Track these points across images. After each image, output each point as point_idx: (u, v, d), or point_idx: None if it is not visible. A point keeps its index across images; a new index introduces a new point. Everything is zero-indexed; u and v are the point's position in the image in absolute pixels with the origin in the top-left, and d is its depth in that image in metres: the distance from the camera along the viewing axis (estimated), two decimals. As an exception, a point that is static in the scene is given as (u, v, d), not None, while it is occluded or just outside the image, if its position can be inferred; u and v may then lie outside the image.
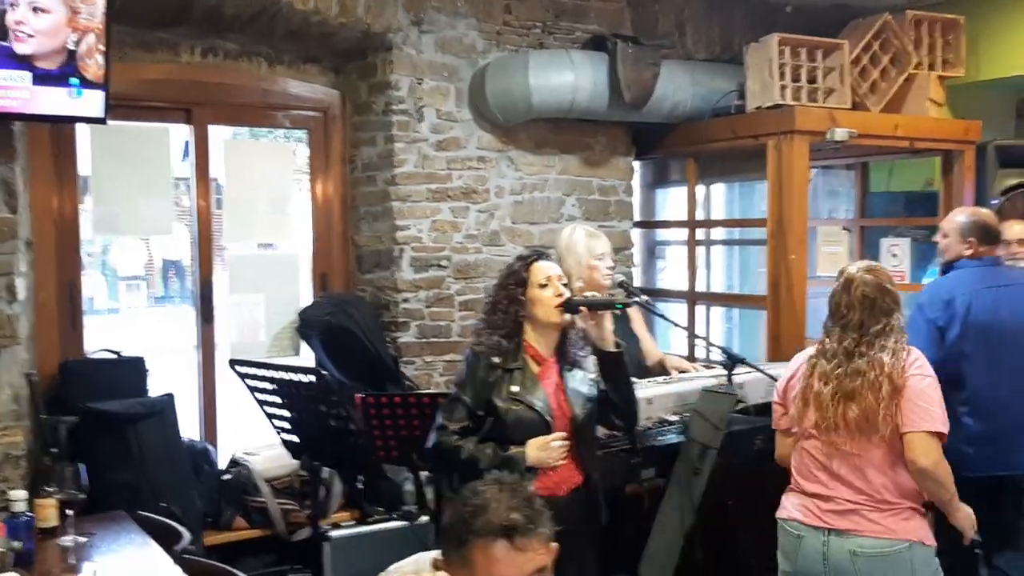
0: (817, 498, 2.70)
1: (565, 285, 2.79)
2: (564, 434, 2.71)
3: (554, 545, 1.69)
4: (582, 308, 2.76)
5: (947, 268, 3.75)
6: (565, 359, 2.81)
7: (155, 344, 7.51)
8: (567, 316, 2.76)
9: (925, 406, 2.61)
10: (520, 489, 1.71)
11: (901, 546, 2.61)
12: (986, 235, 3.64)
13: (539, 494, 2.63)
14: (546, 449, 2.66)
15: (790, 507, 2.77)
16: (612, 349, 2.79)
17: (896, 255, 5.40)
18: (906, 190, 5.50)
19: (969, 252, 3.62)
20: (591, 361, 2.84)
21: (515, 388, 2.68)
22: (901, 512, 2.64)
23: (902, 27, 4.69)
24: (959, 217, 3.71)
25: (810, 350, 2.84)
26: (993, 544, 3.40)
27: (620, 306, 2.86)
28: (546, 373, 2.77)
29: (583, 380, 2.81)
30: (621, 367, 2.82)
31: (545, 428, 2.70)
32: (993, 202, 4.96)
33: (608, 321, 2.78)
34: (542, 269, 2.77)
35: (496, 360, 2.70)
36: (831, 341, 2.72)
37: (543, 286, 2.74)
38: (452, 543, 1.68)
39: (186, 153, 4.25)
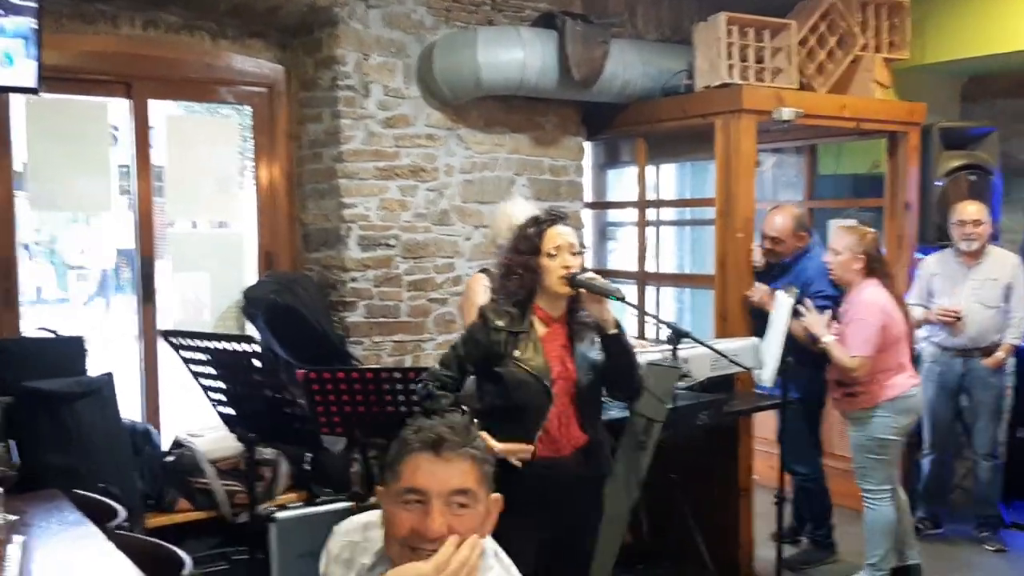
0: (911, 370, 4.06)
1: (575, 254, 2.79)
2: (532, 450, 2.73)
3: (495, 497, 1.66)
4: (583, 288, 2.79)
5: (787, 264, 4.28)
6: (575, 321, 2.85)
7: (103, 332, 7.37)
8: (570, 288, 2.78)
9: None
10: (461, 420, 1.69)
11: None
12: (807, 227, 4.40)
13: (542, 456, 2.71)
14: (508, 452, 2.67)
15: (906, 381, 3.97)
16: (612, 331, 2.81)
17: (843, 236, 5.47)
18: (853, 172, 5.56)
19: (803, 244, 4.27)
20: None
21: (517, 353, 2.74)
22: None
23: (848, 9, 4.73)
24: (784, 219, 4.27)
25: (880, 295, 3.93)
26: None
27: (615, 298, 2.84)
28: (553, 334, 2.81)
29: (591, 344, 2.84)
30: (620, 344, 2.85)
31: (544, 393, 2.73)
32: (937, 183, 5.04)
33: (608, 303, 2.81)
34: (552, 238, 2.78)
35: (500, 323, 2.76)
36: (893, 283, 4.06)
37: (551, 256, 2.76)
38: (389, 465, 1.64)
39: (115, 140, 4.14)
